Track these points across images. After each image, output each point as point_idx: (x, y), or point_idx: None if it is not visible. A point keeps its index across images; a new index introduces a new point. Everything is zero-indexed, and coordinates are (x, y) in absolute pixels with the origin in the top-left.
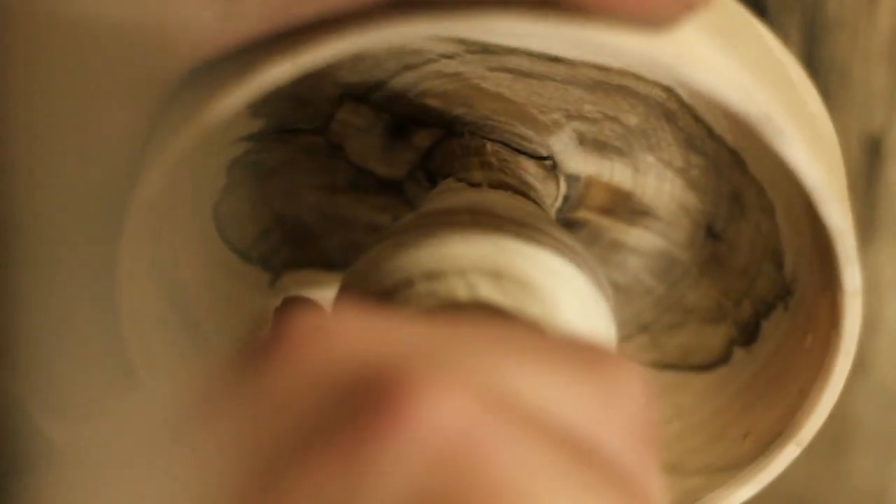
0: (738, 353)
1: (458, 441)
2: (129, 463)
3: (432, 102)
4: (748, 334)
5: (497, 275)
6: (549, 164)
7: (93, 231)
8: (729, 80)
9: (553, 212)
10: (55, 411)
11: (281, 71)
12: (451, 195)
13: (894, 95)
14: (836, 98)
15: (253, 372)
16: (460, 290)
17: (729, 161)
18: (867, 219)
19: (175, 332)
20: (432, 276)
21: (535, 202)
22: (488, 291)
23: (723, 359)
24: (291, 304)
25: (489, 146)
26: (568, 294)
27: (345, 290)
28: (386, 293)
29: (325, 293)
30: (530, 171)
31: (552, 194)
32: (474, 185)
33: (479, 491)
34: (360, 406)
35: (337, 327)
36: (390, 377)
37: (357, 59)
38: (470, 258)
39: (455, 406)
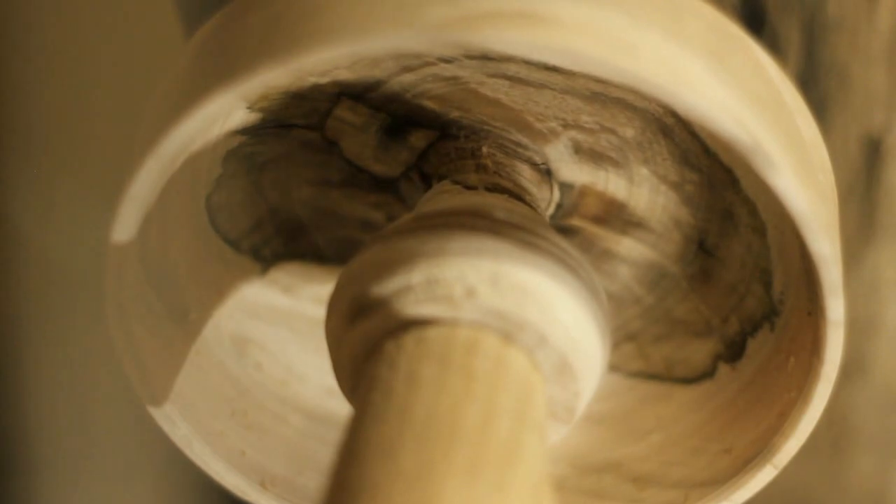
0: (723, 369)
1: None
2: None
3: (429, 104)
4: (734, 351)
5: (495, 279)
6: (544, 169)
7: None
8: (719, 106)
9: (546, 217)
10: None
11: (274, 74)
12: (448, 197)
13: (894, 96)
14: (835, 99)
15: None
16: (458, 295)
17: (723, 179)
18: (867, 219)
19: (162, 320)
20: (430, 279)
21: (531, 206)
22: (486, 296)
23: (707, 373)
24: None
25: (485, 149)
26: (564, 299)
27: (340, 291)
28: (383, 296)
29: (315, 287)
30: (525, 175)
31: (546, 199)
32: (470, 187)
33: None
34: None
35: None
36: None
37: (355, 59)
38: (468, 262)
39: None
